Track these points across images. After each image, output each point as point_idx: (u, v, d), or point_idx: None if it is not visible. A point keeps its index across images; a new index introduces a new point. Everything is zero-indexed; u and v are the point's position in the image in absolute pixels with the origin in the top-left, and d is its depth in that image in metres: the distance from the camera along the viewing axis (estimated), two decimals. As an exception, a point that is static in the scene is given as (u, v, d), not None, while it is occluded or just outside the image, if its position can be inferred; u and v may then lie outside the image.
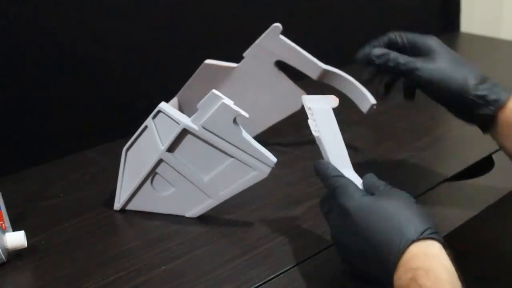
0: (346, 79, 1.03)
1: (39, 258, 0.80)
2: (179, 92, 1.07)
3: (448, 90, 0.81)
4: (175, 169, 0.85)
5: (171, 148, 0.84)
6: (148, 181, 0.87)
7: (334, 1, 1.48)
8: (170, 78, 1.15)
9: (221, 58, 1.05)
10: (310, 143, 1.11)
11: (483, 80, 0.81)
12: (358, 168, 1.00)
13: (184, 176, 0.85)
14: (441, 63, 0.82)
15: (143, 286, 0.74)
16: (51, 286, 0.75)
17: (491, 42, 1.71)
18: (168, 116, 0.84)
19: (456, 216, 0.87)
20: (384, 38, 0.87)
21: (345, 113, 1.17)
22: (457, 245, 0.89)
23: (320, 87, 1.07)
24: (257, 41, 1.02)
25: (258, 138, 1.01)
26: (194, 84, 1.05)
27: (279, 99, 1.05)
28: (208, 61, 1.04)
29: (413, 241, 0.63)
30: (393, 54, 0.84)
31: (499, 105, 0.80)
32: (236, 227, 0.85)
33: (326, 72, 1.02)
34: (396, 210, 0.66)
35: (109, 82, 1.13)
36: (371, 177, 0.74)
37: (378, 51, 0.85)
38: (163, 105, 0.85)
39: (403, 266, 0.62)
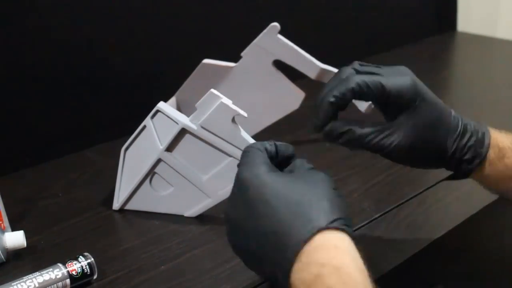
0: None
1: (39, 258, 0.80)
2: (177, 92, 1.07)
3: (423, 160, 0.71)
4: (174, 169, 0.85)
5: (169, 148, 0.84)
6: (147, 181, 0.88)
7: (332, 1, 1.48)
8: (168, 77, 1.15)
9: (219, 58, 1.05)
10: (308, 143, 1.11)
11: (459, 137, 0.70)
12: (357, 167, 1.01)
13: (183, 176, 0.85)
14: (413, 130, 0.67)
15: (143, 285, 0.75)
16: (51, 286, 0.75)
17: (488, 41, 1.71)
18: (167, 116, 0.84)
19: (454, 215, 0.87)
20: (346, 94, 0.67)
21: (343, 112, 1.18)
22: (455, 244, 0.89)
23: (318, 87, 1.07)
24: (255, 41, 1.02)
25: (256, 137, 1.01)
26: (192, 84, 1.05)
27: (277, 99, 1.05)
28: (206, 60, 1.04)
29: (321, 229, 0.53)
30: (357, 133, 0.68)
31: (478, 162, 0.71)
32: None
33: (324, 71, 1.02)
34: (306, 193, 0.56)
35: (108, 81, 1.13)
36: (299, 161, 0.63)
37: (337, 128, 0.68)
38: (161, 105, 0.85)
39: (305, 258, 0.52)
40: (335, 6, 1.48)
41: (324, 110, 0.67)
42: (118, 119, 1.13)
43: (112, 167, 0.90)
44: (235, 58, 1.04)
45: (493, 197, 0.91)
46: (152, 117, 0.85)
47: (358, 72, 0.69)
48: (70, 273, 0.73)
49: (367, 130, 0.67)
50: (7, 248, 0.78)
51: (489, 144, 0.70)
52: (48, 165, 1.06)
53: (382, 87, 0.66)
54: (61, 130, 1.09)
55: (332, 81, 0.69)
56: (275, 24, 1.01)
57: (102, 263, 0.77)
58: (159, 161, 0.85)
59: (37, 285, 0.71)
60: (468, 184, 0.95)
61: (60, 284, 0.73)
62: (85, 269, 0.74)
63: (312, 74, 1.03)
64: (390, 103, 0.67)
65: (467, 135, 0.70)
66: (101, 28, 1.11)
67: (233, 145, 0.81)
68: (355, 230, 0.84)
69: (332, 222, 0.54)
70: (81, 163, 1.06)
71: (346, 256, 0.53)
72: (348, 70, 0.69)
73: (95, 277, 0.75)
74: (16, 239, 0.78)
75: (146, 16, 1.17)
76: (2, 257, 0.78)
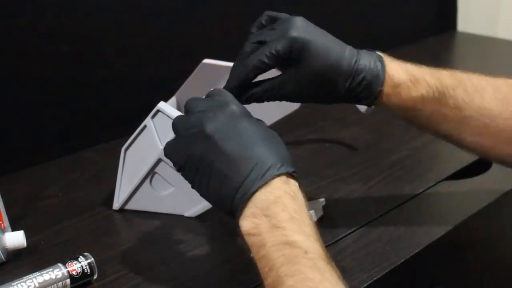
0: None
1: (39, 258, 0.80)
2: (177, 92, 1.07)
3: (320, 99, 0.79)
4: (174, 169, 0.85)
5: (170, 148, 0.84)
6: (147, 181, 0.87)
7: (332, 1, 1.48)
8: (168, 77, 1.15)
9: (219, 58, 1.05)
10: (308, 143, 1.11)
11: (351, 77, 0.75)
12: (357, 167, 1.01)
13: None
14: (307, 70, 0.75)
15: (143, 285, 0.75)
16: (51, 286, 0.75)
17: (488, 41, 1.71)
18: (167, 116, 0.84)
19: (454, 215, 0.87)
20: (247, 73, 0.77)
21: (343, 112, 1.18)
22: (455, 244, 0.89)
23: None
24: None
25: (256, 137, 1.01)
26: (192, 84, 1.05)
27: (277, 99, 1.05)
28: (206, 60, 1.04)
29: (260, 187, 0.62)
30: (254, 94, 0.78)
31: (374, 98, 0.77)
32: (236, 227, 0.85)
33: (324, 71, 1.02)
34: (238, 152, 0.64)
35: (108, 81, 1.13)
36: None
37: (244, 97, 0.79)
38: (162, 105, 0.85)
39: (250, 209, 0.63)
40: (335, 6, 1.48)
41: (235, 86, 0.77)
42: (118, 119, 1.13)
43: (112, 167, 0.90)
44: (235, 58, 1.04)
45: (492, 197, 0.91)
46: (153, 117, 0.85)
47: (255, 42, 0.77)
48: (70, 273, 0.73)
49: (261, 88, 0.77)
50: (7, 248, 0.78)
51: (383, 82, 0.76)
52: (48, 165, 1.06)
53: (276, 54, 0.73)
54: (61, 130, 1.09)
55: (236, 64, 0.79)
56: (275, 24, 1.01)
57: (102, 263, 0.77)
58: (159, 161, 0.85)
59: (37, 285, 0.71)
60: (468, 185, 0.95)
61: (60, 284, 0.73)
62: (85, 269, 0.74)
63: (312, 74, 1.03)
64: (283, 62, 0.75)
65: (360, 76, 0.75)
66: (101, 28, 1.11)
67: (233, 145, 0.81)
68: (355, 231, 0.84)
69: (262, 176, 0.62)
70: (81, 163, 1.06)
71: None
72: (246, 50, 0.78)
73: (95, 277, 0.75)
74: (16, 239, 0.78)
75: (146, 16, 1.17)
76: (2, 257, 0.78)
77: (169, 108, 0.85)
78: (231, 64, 1.03)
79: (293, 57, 0.74)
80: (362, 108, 1.03)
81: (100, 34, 1.11)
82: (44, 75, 1.05)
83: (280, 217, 0.60)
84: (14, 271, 0.77)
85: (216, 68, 1.04)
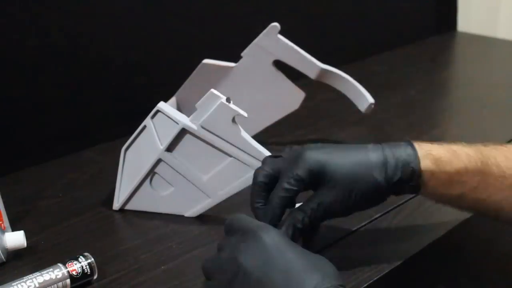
0: (344, 78, 1.03)
1: (39, 258, 0.80)
2: (177, 92, 1.07)
3: (363, 205, 0.73)
4: (174, 169, 0.85)
5: (170, 148, 0.84)
6: (147, 181, 0.88)
7: (332, 1, 1.48)
8: (168, 77, 1.15)
9: (219, 58, 1.05)
10: (309, 143, 1.11)
11: (385, 166, 0.71)
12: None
13: (183, 176, 0.85)
14: (338, 190, 0.70)
15: (143, 285, 0.75)
16: (51, 286, 0.75)
17: (488, 41, 1.71)
18: (167, 116, 0.84)
19: (454, 215, 0.87)
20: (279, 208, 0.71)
21: (344, 112, 1.18)
22: (455, 244, 0.89)
23: (318, 87, 1.08)
24: (255, 41, 1.03)
25: (256, 137, 1.01)
26: (192, 84, 1.05)
27: (277, 99, 1.05)
28: (206, 60, 1.04)
29: None
30: (296, 222, 0.71)
31: (417, 176, 0.71)
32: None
33: (324, 71, 1.03)
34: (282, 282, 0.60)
35: (107, 81, 1.13)
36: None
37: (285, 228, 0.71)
38: (161, 105, 0.85)
39: None
40: (335, 6, 1.49)
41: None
42: (118, 119, 1.13)
43: (113, 167, 0.90)
44: (235, 58, 1.04)
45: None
46: (152, 117, 0.85)
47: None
48: (70, 273, 0.73)
49: (307, 212, 0.70)
50: (7, 248, 0.78)
51: (419, 158, 0.71)
52: (49, 165, 1.06)
53: (302, 180, 0.70)
54: (61, 130, 1.09)
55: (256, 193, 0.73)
56: (275, 24, 1.01)
57: (102, 263, 0.77)
58: (159, 161, 0.85)
59: (37, 285, 0.71)
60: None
61: (60, 284, 0.73)
62: (85, 269, 0.74)
63: (312, 74, 1.03)
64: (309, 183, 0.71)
65: (394, 160, 0.71)
66: (101, 28, 1.11)
67: (233, 145, 0.82)
68: (355, 231, 0.84)
69: None
70: (81, 163, 1.06)
71: None
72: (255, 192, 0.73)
73: (95, 277, 0.75)
74: (16, 239, 0.78)
75: (146, 16, 1.17)
76: (2, 257, 0.78)
77: (169, 108, 0.85)
78: (231, 64, 1.04)
79: (317, 174, 0.70)
80: (362, 107, 1.03)
81: (100, 34, 1.11)
82: (44, 75, 1.06)
83: None
84: (14, 271, 0.77)
85: (216, 68, 1.04)
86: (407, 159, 0.71)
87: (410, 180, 0.71)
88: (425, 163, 0.71)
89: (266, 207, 0.71)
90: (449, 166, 0.72)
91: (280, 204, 0.71)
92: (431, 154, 0.72)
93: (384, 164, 0.71)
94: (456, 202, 0.75)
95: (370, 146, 0.73)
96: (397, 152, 0.71)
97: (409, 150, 0.72)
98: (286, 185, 0.70)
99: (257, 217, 0.72)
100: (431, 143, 0.73)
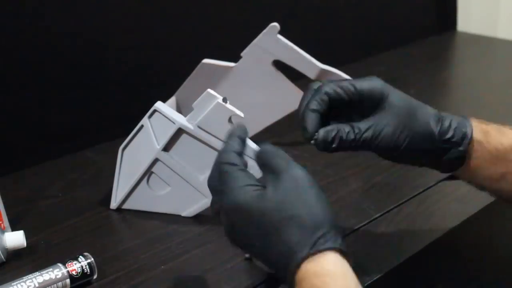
0: (344, 78, 1.03)
1: (38, 258, 0.80)
2: (177, 92, 1.07)
3: (411, 147, 0.71)
4: (170, 168, 0.85)
5: (166, 147, 0.84)
6: (144, 180, 0.88)
7: (332, 1, 1.48)
8: (168, 77, 1.15)
9: (219, 58, 1.05)
10: (309, 143, 1.11)
11: (441, 120, 0.72)
12: (357, 167, 1.01)
13: (180, 175, 0.85)
14: (394, 117, 0.70)
15: (143, 285, 0.75)
16: (51, 286, 0.75)
17: (488, 41, 1.71)
18: (164, 116, 0.84)
19: (454, 215, 0.87)
20: (323, 97, 0.70)
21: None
22: (455, 244, 0.89)
23: (318, 87, 1.08)
24: (254, 41, 1.02)
25: (256, 137, 1.01)
26: (192, 84, 1.05)
27: (277, 99, 1.05)
28: (206, 60, 1.04)
29: (304, 258, 0.56)
30: (341, 131, 0.69)
31: (468, 141, 0.71)
32: None
33: (324, 71, 1.03)
34: (284, 215, 0.58)
35: (107, 81, 1.13)
36: (265, 152, 0.63)
37: (328, 131, 0.70)
38: (158, 105, 0.85)
39: (297, 286, 0.57)
40: (335, 6, 1.48)
41: (310, 118, 0.70)
42: (118, 119, 1.13)
43: (112, 167, 0.90)
44: (235, 58, 1.04)
45: (492, 197, 0.91)
46: (150, 116, 0.85)
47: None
48: (70, 273, 0.73)
49: (355, 129, 0.69)
50: (7, 248, 0.78)
51: (471, 126, 0.72)
52: (48, 165, 1.06)
53: (354, 87, 0.70)
54: (61, 130, 1.09)
55: (307, 94, 0.72)
56: (275, 24, 1.01)
57: (102, 263, 0.77)
58: (156, 160, 0.85)
59: (37, 285, 0.71)
60: (468, 184, 0.95)
61: (60, 284, 0.73)
62: (85, 269, 0.74)
63: (312, 74, 1.03)
64: (363, 102, 0.70)
65: (448, 119, 0.72)
66: (101, 28, 1.11)
67: (231, 145, 0.81)
68: (355, 231, 0.84)
69: (313, 245, 0.56)
70: (81, 163, 1.06)
71: (327, 280, 0.56)
72: (317, 83, 0.72)
73: (95, 277, 0.75)
74: (16, 239, 0.78)
75: (146, 16, 1.17)
76: (2, 257, 0.78)
77: (166, 108, 0.85)
78: (231, 64, 1.04)
79: (376, 96, 0.70)
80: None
81: (100, 34, 1.11)
82: (44, 75, 1.05)
83: None
84: (14, 271, 0.77)
85: (215, 68, 1.04)
86: (460, 122, 0.72)
87: (460, 143, 0.71)
88: (476, 133, 0.72)
89: (316, 95, 0.70)
90: (496, 141, 0.72)
91: (328, 98, 0.69)
92: (481, 126, 0.72)
93: (440, 119, 0.71)
94: (496, 183, 0.74)
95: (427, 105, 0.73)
96: (451, 116, 0.72)
97: (461, 118, 0.72)
98: (346, 85, 0.69)
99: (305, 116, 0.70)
100: (477, 119, 0.74)
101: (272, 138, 1.08)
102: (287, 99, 1.05)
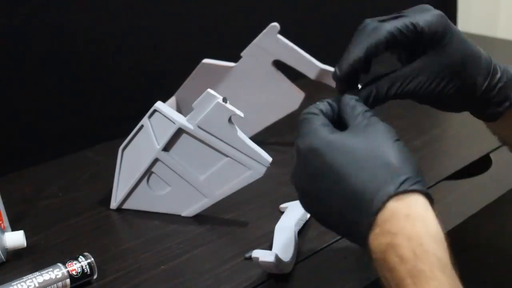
0: None
1: (39, 257, 0.80)
2: (177, 92, 1.07)
3: (455, 95, 0.65)
4: (171, 168, 0.85)
5: (166, 147, 0.85)
6: (144, 180, 0.88)
7: (332, 1, 1.48)
8: (168, 77, 1.15)
9: (219, 58, 1.05)
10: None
11: (489, 76, 0.66)
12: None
13: (180, 175, 0.85)
14: (444, 66, 0.63)
15: (143, 285, 0.75)
16: (51, 286, 0.75)
17: (488, 41, 1.71)
18: (164, 116, 0.84)
19: (454, 215, 0.87)
20: (381, 39, 0.62)
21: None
22: (454, 244, 0.89)
23: (318, 87, 1.08)
24: (254, 41, 1.03)
25: (256, 137, 1.01)
26: (192, 84, 1.05)
27: (277, 99, 1.05)
28: (206, 60, 1.04)
29: (391, 196, 0.52)
30: (380, 84, 0.63)
31: (508, 104, 0.67)
32: (235, 227, 0.86)
33: (324, 71, 1.03)
34: (369, 153, 0.54)
35: (107, 81, 1.13)
36: (349, 101, 0.60)
37: (364, 92, 0.63)
38: (158, 104, 0.85)
39: (379, 227, 0.52)
40: (335, 6, 1.48)
41: (349, 64, 0.61)
42: (118, 119, 1.13)
43: (112, 167, 0.90)
44: (235, 58, 1.04)
45: (493, 197, 0.91)
46: (150, 116, 0.85)
47: (382, 21, 0.64)
48: (70, 273, 0.73)
49: (388, 80, 0.63)
50: (7, 248, 0.78)
51: None
52: (48, 165, 1.06)
53: (414, 28, 0.61)
54: (61, 130, 1.09)
55: (359, 36, 0.63)
56: (275, 24, 1.01)
57: (102, 263, 0.77)
58: (156, 160, 0.85)
59: (37, 285, 0.71)
60: (468, 184, 0.95)
61: (60, 284, 0.73)
62: (85, 269, 0.74)
63: (312, 74, 1.03)
64: (420, 42, 0.62)
65: (498, 76, 0.66)
66: (101, 28, 1.11)
67: (229, 145, 0.82)
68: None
69: (400, 184, 0.52)
70: (81, 163, 1.06)
71: (418, 224, 0.52)
72: (373, 22, 0.64)
73: (95, 277, 0.75)
74: (16, 239, 0.78)
75: (146, 16, 1.17)
76: (2, 257, 0.78)
77: (166, 108, 0.85)
78: (231, 64, 1.04)
79: (436, 38, 0.62)
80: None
81: (100, 35, 1.11)
82: (44, 75, 1.06)
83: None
84: (14, 271, 0.77)
85: (215, 68, 1.04)
86: (507, 82, 0.66)
87: (500, 104, 0.66)
88: None
89: (361, 42, 0.62)
90: None
91: (387, 42, 0.61)
92: None
93: (489, 75, 0.65)
94: None
95: (481, 48, 0.66)
96: (501, 68, 0.67)
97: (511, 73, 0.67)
98: (407, 25, 0.61)
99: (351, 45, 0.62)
100: None
101: (272, 138, 1.08)
102: (287, 99, 1.05)
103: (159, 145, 0.85)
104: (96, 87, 1.12)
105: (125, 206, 0.90)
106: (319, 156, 0.56)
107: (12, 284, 0.71)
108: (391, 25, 0.61)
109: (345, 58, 0.61)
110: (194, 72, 1.05)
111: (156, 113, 0.85)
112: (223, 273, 0.76)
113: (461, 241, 0.91)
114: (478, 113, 0.69)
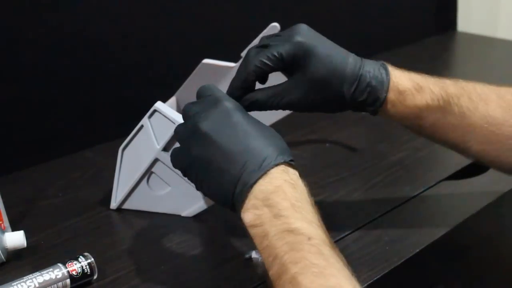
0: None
1: (39, 258, 0.80)
2: (177, 92, 1.07)
3: (324, 108, 0.78)
4: (170, 168, 0.85)
5: (166, 147, 0.84)
6: (144, 180, 0.88)
7: (331, 1, 1.48)
8: (168, 77, 1.15)
9: (219, 58, 1.05)
10: (308, 143, 1.11)
11: (356, 82, 0.75)
12: (357, 167, 1.01)
13: (180, 176, 0.85)
14: (308, 83, 0.74)
15: (143, 285, 0.75)
16: (51, 286, 0.75)
17: (488, 41, 1.71)
18: (164, 116, 0.84)
19: (454, 215, 0.87)
20: (250, 72, 0.74)
21: (343, 113, 1.18)
22: (455, 244, 0.89)
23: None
24: (255, 41, 1.02)
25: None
26: (192, 84, 1.05)
27: (277, 99, 1.05)
28: (206, 60, 1.04)
29: (253, 184, 0.63)
30: (258, 100, 0.76)
31: (380, 103, 0.76)
32: (235, 227, 0.85)
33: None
34: (261, 134, 0.67)
35: (107, 81, 1.13)
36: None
37: (245, 99, 0.75)
38: (158, 105, 0.85)
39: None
40: (335, 6, 1.49)
41: (235, 89, 0.75)
42: (118, 119, 1.13)
43: (112, 167, 0.90)
44: (235, 58, 1.04)
45: (493, 197, 0.91)
46: (150, 116, 0.85)
47: (259, 46, 0.75)
48: (70, 273, 0.73)
49: (264, 94, 0.75)
50: (7, 248, 0.78)
51: (388, 89, 0.75)
52: (48, 165, 1.06)
53: (276, 58, 0.73)
54: (61, 130, 1.09)
55: (240, 66, 0.75)
56: (275, 24, 1.01)
57: (102, 263, 0.77)
58: (156, 160, 0.85)
59: (37, 285, 0.71)
60: (468, 184, 0.95)
61: (60, 284, 0.73)
62: (85, 269, 0.74)
63: (312, 74, 1.03)
64: (287, 65, 0.74)
65: (365, 82, 0.75)
66: (101, 28, 1.11)
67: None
68: (355, 230, 0.84)
69: (260, 167, 0.63)
70: (81, 163, 1.06)
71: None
72: (252, 51, 0.75)
73: (95, 277, 0.75)
74: (16, 239, 0.78)
75: (146, 16, 1.17)
76: (2, 257, 0.78)
77: (166, 108, 0.85)
78: (231, 64, 1.04)
79: (297, 61, 0.73)
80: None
81: (100, 34, 1.11)
82: (44, 75, 1.06)
83: (281, 206, 0.61)
84: (14, 271, 0.77)
85: (215, 68, 1.04)
86: (376, 86, 0.75)
87: (372, 105, 0.76)
88: (390, 95, 0.76)
89: (240, 72, 0.74)
90: (410, 101, 0.76)
91: (255, 73, 0.73)
92: (397, 87, 0.76)
93: (356, 81, 0.74)
94: (414, 129, 0.81)
95: (351, 58, 0.76)
96: (372, 74, 0.75)
97: (381, 77, 0.75)
98: (265, 59, 0.72)
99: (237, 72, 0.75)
100: (403, 72, 0.78)
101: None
102: (287, 99, 1.04)
103: (159, 145, 0.85)
104: (96, 87, 1.12)
105: (125, 206, 0.90)
106: (236, 120, 0.67)
107: (12, 284, 0.71)
108: (257, 59, 0.73)
109: (230, 85, 0.75)
110: (194, 72, 1.04)
111: (156, 113, 0.85)
112: (223, 273, 0.76)
113: (461, 241, 0.91)
114: (359, 111, 0.78)
